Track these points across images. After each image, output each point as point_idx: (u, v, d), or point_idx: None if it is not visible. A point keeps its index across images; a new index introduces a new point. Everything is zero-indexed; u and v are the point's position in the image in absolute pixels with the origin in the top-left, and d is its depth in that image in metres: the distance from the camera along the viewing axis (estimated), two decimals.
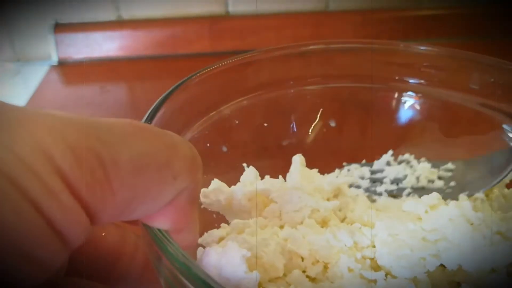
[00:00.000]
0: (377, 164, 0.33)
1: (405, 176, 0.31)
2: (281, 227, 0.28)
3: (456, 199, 0.28)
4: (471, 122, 0.32)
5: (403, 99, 0.34)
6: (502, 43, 0.57)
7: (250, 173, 0.30)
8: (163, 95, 0.27)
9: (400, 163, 0.32)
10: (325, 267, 0.25)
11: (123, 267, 0.22)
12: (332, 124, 0.35)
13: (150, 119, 0.25)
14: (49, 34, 0.62)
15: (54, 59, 0.63)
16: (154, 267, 0.20)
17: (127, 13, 0.62)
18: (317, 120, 0.35)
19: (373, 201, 0.31)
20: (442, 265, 0.25)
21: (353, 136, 0.36)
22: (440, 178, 0.31)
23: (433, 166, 0.31)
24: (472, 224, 0.25)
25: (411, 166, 0.32)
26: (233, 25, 0.62)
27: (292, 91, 0.34)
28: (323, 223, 0.28)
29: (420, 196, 0.28)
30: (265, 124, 0.34)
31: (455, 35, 0.61)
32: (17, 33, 0.62)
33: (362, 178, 0.32)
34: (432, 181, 0.31)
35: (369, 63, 0.34)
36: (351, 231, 0.26)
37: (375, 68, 0.34)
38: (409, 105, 0.34)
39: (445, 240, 0.25)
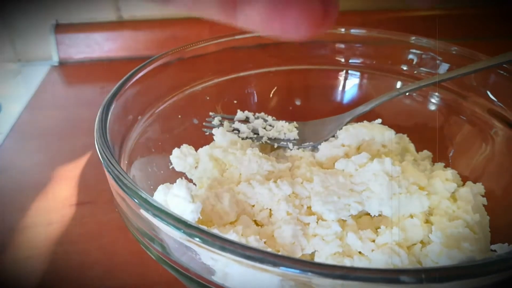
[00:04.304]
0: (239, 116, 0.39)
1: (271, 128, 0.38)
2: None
3: (301, 147, 0.36)
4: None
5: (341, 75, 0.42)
6: (502, 43, 0.57)
7: (218, 137, 0.35)
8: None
9: (257, 118, 0.38)
10: (270, 214, 0.30)
11: None
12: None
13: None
14: (49, 35, 0.62)
15: (55, 60, 0.64)
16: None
17: (128, 14, 0.62)
18: (273, 92, 0.42)
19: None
20: (368, 214, 0.30)
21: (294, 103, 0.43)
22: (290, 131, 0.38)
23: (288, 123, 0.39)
24: (391, 176, 0.30)
25: (266, 121, 0.38)
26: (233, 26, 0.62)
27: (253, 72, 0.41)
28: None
29: (279, 142, 0.37)
30: (235, 101, 0.40)
31: (455, 35, 0.61)
32: (18, 33, 0.62)
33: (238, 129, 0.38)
34: (284, 133, 0.37)
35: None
36: (292, 183, 0.30)
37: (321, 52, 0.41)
38: (348, 82, 0.42)
39: (368, 190, 0.29)
